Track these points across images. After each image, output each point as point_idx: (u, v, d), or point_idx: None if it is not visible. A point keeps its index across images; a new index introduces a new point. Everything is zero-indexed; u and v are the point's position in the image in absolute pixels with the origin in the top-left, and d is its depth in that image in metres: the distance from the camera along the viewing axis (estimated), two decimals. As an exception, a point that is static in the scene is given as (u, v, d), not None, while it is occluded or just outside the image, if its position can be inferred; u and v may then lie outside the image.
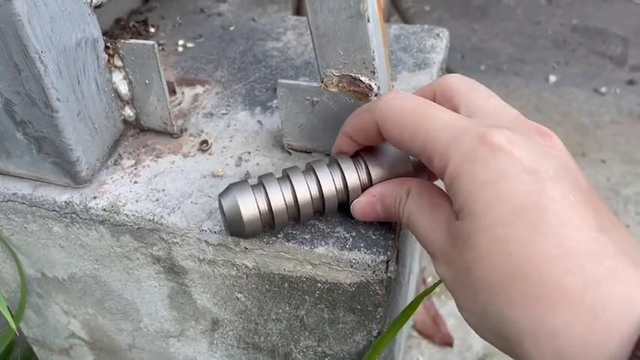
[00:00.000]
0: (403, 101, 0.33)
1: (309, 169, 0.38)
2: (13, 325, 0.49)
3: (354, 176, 0.38)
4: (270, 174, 0.37)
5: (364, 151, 0.39)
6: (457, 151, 0.28)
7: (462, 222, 0.28)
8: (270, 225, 0.37)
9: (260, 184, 0.37)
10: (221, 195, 0.37)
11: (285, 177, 0.37)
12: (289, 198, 0.37)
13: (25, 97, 0.39)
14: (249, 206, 0.36)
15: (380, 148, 0.38)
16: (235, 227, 0.37)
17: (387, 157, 0.38)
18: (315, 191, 0.37)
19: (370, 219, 0.38)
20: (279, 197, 0.36)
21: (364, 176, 0.38)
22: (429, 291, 0.44)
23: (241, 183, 0.37)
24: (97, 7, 0.42)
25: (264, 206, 0.36)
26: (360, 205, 0.37)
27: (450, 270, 0.30)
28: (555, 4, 2.21)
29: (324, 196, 0.37)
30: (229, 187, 0.37)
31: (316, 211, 0.38)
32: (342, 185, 0.38)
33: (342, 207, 0.39)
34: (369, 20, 0.37)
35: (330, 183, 0.37)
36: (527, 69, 1.85)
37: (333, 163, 0.38)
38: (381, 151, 0.38)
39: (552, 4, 2.21)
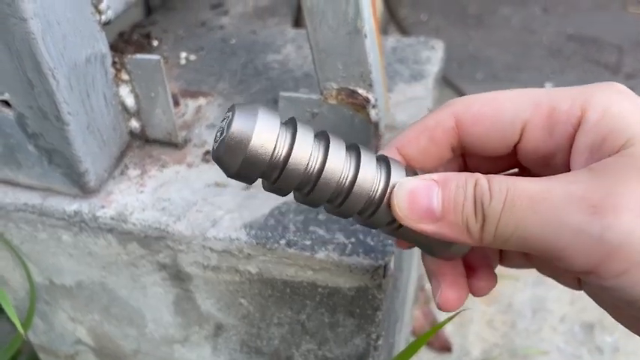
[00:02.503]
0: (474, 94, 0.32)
1: (352, 148, 0.30)
2: (23, 332, 0.51)
3: (401, 172, 0.30)
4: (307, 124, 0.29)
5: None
6: (596, 92, 0.29)
7: (635, 147, 0.27)
8: (277, 170, 0.27)
9: (291, 123, 0.28)
10: (240, 105, 0.27)
11: (322, 135, 0.29)
12: (318, 154, 0.28)
13: (37, 111, 0.41)
14: (268, 130, 0.26)
15: None
16: (232, 149, 0.26)
17: None
18: (351, 168, 0.29)
19: (416, 215, 0.28)
20: (307, 143, 0.27)
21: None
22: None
23: (269, 108, 0.28)
24: (106, 24, 0.44)
25: (285, 142, 0.27)
26: (407, 188, 0.28)
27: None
28: (550, 13, 2.24)
29: (358, 178, 0.29)
30: (254, 105, 0.27)
31: (339, 191, 0.29)
32: (384, 177, 0.29)
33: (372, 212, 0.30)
34: (366, 36, 0.39)
35: (370, 168, 0.29)
36: (523, 77, 1.87)
37: (380, 158, 0.31)
38: None
39: (547, 13, 2.24)
